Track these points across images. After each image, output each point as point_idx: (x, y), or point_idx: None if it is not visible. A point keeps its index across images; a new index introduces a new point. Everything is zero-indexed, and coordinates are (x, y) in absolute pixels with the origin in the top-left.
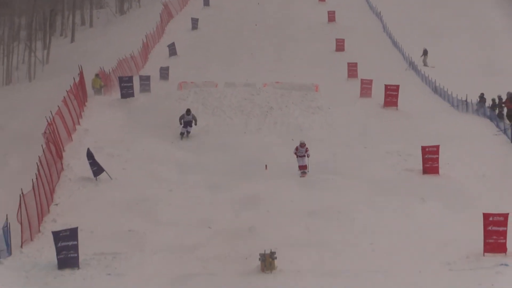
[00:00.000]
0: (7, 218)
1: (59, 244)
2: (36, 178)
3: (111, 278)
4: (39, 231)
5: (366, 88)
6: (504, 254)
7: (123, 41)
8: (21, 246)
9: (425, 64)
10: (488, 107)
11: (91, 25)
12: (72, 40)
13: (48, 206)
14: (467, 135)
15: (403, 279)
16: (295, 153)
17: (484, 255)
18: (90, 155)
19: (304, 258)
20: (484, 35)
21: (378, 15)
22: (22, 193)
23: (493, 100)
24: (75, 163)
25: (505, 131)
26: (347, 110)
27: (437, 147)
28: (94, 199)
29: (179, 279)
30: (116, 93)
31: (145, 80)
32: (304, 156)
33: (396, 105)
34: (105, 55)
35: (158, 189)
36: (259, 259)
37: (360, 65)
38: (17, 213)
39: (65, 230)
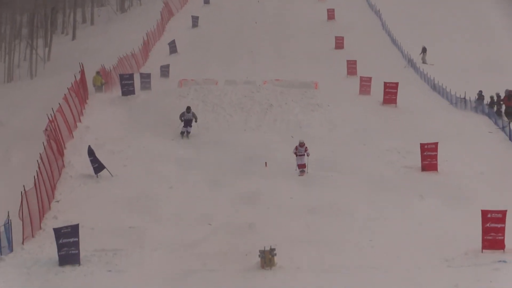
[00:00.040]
0: (8, 215)
1: (60, 241)
2: (37, 175)
3: (112, 274)
4: (40, 227)
5: (365, 85)
6: (503, 250)
7: (124, 38)
8: (23, 243)
9: (424, 62)
10: (487, 104)
11: (92, 23)
12: (73, 37)
13: (49, 203)
14: (465, 133)
15: (401, 275)
16: (295, 153)
17: (482, 251)
18: (91, 152)
19: (304, 254)
20: (483, 33)
21: (377, 13)
22: (24, 190)
23: (492, 97)
24: (76, 160)
25: (503, 128)
26: (347, 108)
27: (436, 144)
28: (95, 196)
29: (179, 275)
30: (117, 90)
31: (146, 78)
32: (303, 155)
33: (395, 103)
34: (106, 52)
35: (159, 186)
36: (259, 255)
37: (359, 62)
38: (19, 210)
39: (66, 227)
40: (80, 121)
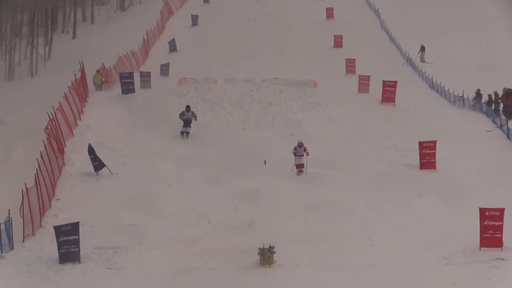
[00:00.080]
0: (9, 213)
1: (61, 239)
2: (38, 173)
3: (112, 272)
4: (40, 225)
5: (364, 84)
6: (500, 248)
7: (124, 37)
8: (23, 241)
9: (422, 60)
10: (485, 103)
11: (92, 22)
12: (74, 36)
13: (50, 200)
14: (463, 131)
15: (400, 273)
16: (294, 153)
17: (480, 249)
18: (91, 150)
19: (303, 252)
20: (482, 32)
21: (376, 12)
22: (26, 187)
23: (489, 96)
24: (76, 158)
25: (501, 127)
26: (345, 106)
27: (434, 142)
28: (95, 194)
29: (179, 273)
30: (117, 89)
31: (146, 76)
32: (302, 155)
33: (394, 101)
34: (106, 51)
35: (158, 184)
36: (258, 253)
37: (358, 61)
38: (20, 208)
39: (67, 225)
40: (80, 119)
